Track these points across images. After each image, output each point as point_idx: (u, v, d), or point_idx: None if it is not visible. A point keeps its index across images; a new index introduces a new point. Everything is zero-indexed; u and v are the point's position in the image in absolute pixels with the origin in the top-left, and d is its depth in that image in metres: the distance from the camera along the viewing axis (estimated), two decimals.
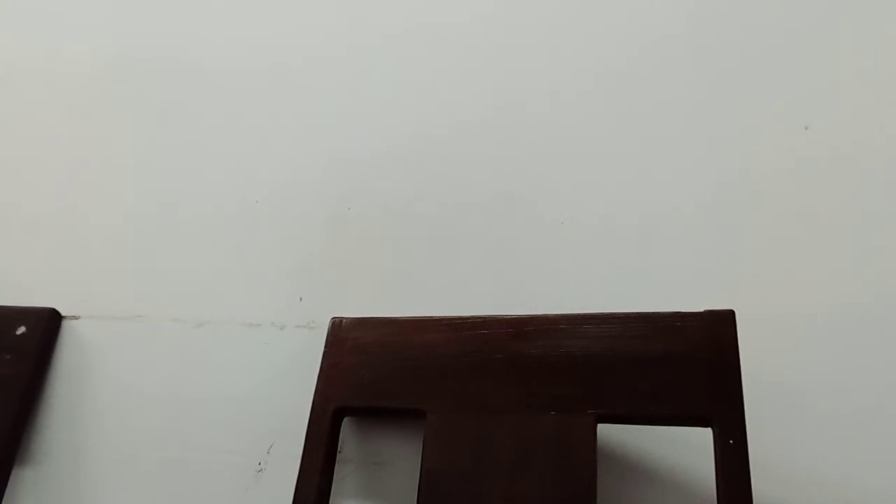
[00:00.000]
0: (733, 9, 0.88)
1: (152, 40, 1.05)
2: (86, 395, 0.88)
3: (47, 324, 0.89)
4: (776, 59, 0.84)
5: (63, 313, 0.92)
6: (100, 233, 0.96)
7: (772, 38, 0.86)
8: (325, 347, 0.78)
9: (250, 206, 0.93)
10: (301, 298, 0.87)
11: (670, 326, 0.67)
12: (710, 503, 0.61)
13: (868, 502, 0.68)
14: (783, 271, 0.77)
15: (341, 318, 0.79)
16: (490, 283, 0.84)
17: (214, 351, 0.87)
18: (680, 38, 0.88)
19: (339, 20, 1.00)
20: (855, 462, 0.69)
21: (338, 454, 0.75)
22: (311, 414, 0.74)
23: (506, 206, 0.86)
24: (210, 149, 0.97)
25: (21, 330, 0.88)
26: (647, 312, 0.69)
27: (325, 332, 0.79)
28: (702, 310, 0.67)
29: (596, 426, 0.66)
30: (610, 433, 0.72)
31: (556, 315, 0.72)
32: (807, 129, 0.81)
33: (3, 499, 0.82)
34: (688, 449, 0.71)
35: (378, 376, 0.74)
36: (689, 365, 0.66)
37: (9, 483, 0.82)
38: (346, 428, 0.77)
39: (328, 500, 0.72)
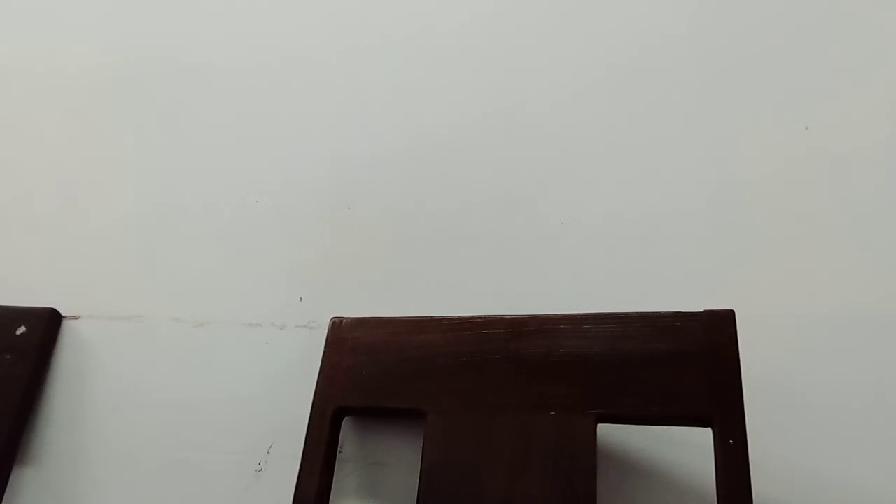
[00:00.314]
0: (733, 9, 0.88)
1: (152, 41, 1.05)
2: (86, 395, 0.88)
3: (47, 324, 0.89)
4: (776, 59, 0.84)
5: (63, 313, 0.92)
6: (100, 233, 0.96)
7: (772, 38, 0.86)
8: (325, 347, 0.78)
9: (250, 206, 0.93)
10: (301, 298, 0.87)
11: (670, 326, 0.67)
12: (710, 503, 0.61)
13: (868, 502, 0.68)
14: (783, 271, 0.77)
15: (341, 318, 0.79)
16: (490, 283, 0.84)
17: (214, 351, 0.87)
18: (680, 39, 0.88)
19: (340, 20, 1.00)
20: (855, 462, 0.69)
21: (338, 454, 0.75)
22: (311, 414, 0.74)
23: (506, 206, 0.86)
24: (210, 149, 0.97)
25: (21, 330, 0.88)
26: (647, 312, 0.69)
27: (325, 332, 0.79)
28: (702, 310, 0.67)
29: (596, 426, 0.66)
30: (610, 433, 0.72)
31: (556, 315, 0.72)
32: (807, 129, 0.81)
33: (3, 499, 0.82)
34: (688, 449, 0.71)
35: (378, 376, 0.74)
36: (689, 365, 0.66)
37: (9, 483, 0.82)
38: (346, 428, 0.77)
39: (328, 500, 0.72)
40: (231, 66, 1.01)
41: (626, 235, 0.82)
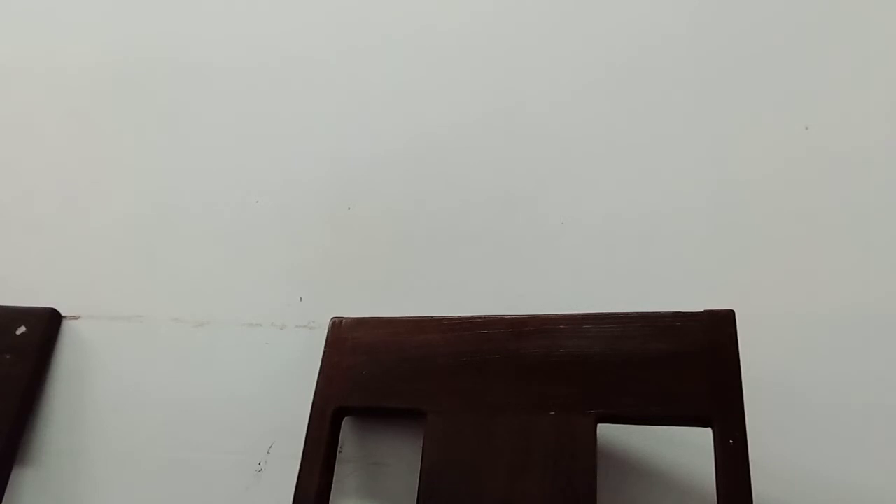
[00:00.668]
0: (733, 9, 0.88)
1: (152, 41, 1.05)
2: (86, 395, 0.88)
3: (47, 324, 0.89)
4: (776, 59, 0.84)
5: (63, 313, 0.92)
6: (100, 233, 0.96)
7: (772, 38, 0.86)
8: (325, 347, 0.78)
9: (250, 206, 0.93)
10: (301, 298, 0.87)
11: (670, 326, 0.67)
12: (710, 503, 0.61)
13: (868, 502, 0.68)
14: (783, 271, 0.77)
15: (341, 318, 0.79)
16: (490, 283, 0.84)
17: (214, 351, 0.87)
18: (680, 39, 0.88)
19: (340, 20, 1.00)
20: (855, 462, 0.69)
21: (338, 454, 0.75)
22: (311, 414, 0.74)
23: (506, 206, 0.86)
24: (210, 149, 0.97)
25: (21, 330, 0.88)
26: (647, 312, 0.69)
27: (325, 332, 0.79)
28: (702, 310, 0.67)
29: (596, 426, 0.66)
30: (610, 433, 0.72)
31: (556, 315, 0.72)
32: (807, 129, 0.81)
33: (3, 499, 0.82)
34: (688, 449, 0.71)
35: (378, 376, 0.74)
36: (689, 365, 0.66)
37: (9, 483, 0.82)
38: (346, 428, 0.77)
39: (328, 500, 0.72)
40: (231, 66, 1.01)
41: (626, 235, 0.82)
